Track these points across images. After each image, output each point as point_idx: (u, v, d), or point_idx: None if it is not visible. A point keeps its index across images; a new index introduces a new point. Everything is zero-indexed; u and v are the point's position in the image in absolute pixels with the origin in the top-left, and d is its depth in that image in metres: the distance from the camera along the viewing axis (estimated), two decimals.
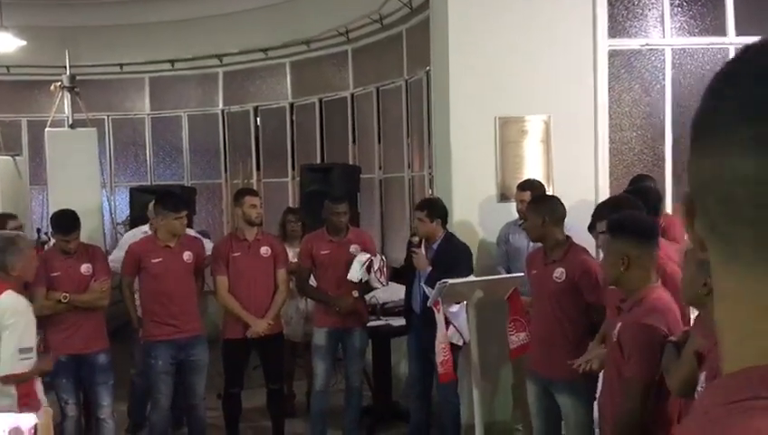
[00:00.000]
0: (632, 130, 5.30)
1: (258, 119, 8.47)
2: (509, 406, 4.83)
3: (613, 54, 5.10)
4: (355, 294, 4.67)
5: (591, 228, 3.39)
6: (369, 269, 4.48)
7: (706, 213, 0.58)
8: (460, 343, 4.21)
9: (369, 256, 4.55)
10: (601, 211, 3.31)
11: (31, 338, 3.26)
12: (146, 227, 5.06)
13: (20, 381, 3.23)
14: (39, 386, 3.47)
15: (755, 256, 0.54)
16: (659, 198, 4.35)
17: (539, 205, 3.71)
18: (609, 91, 5.03)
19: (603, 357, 3.07)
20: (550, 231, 3.60)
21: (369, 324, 5.05)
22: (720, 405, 0.52)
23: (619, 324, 2.60)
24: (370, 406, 5.35)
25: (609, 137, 5.05)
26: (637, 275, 2.59)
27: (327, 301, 4.67)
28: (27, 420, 1.04)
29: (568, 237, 3.63)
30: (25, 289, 3.76)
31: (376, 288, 4.79)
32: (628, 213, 3.05)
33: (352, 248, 4.66)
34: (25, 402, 3.22)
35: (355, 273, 4.52)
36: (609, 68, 5.03)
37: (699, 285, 2.18)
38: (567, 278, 3.49)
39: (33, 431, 1.02)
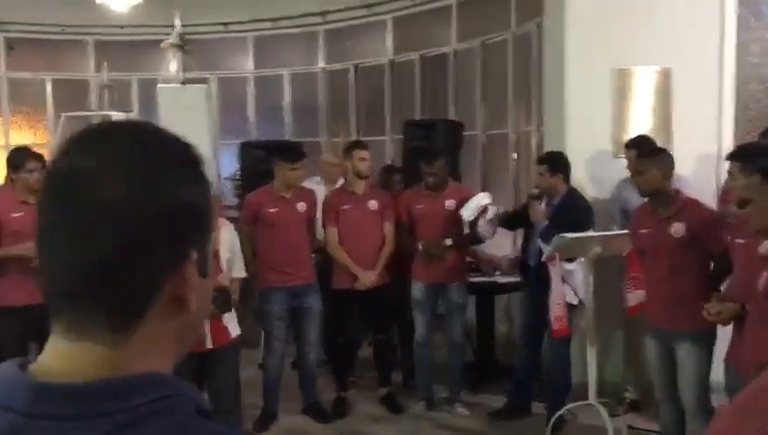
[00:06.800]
0: (760, 83, 4.98)
1: (357, 76, 8.47)
2: (620, 366, 4.72)
3: (743, 1, 4.78)
4: (448, 242, 4.64)
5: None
6: (481, 214, 4.44)
7: None
8: (575, 302, 4.13)
9: (488, 201, 4.50)
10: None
11: None
12: (318, 178, 5.59)
13: None
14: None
15: None
16: None
17: (658, 158, 3.55)
18: (736, 42, 4.74)
19: (734, 313, 2.96)
20: (665, 186, 3.48)
21: (473, 280, 5.03)
22: None
23: (766, 274, 2.48)
24: (472, 362, 5.36)
25: (736, 90, 4.77)
26: None
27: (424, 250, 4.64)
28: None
29: (677, 191, 3.50)
30: None
31: (481, 239, 4.73)
32: None
33: (448, 203, 4.63)
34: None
35: (469, 211, 4.49)
36: (736, 16, 4.73)
37: None
38: (687, 233, 3.37)
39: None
